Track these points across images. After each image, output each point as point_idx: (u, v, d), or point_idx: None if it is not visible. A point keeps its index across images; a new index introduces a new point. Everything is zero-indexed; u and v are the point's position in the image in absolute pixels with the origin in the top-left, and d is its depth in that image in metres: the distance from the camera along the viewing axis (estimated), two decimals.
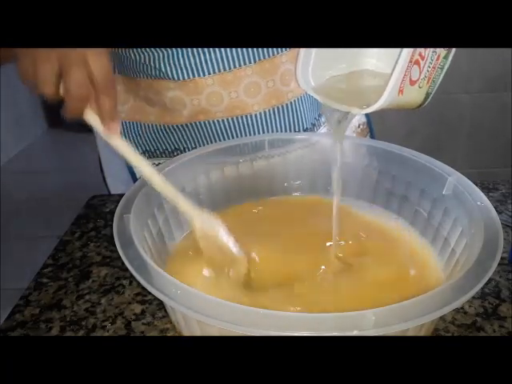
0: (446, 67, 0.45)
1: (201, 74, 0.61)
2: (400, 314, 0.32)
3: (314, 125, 0.71)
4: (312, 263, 0.49)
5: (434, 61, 0.42)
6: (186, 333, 0.43)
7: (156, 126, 0.68)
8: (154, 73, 0.62)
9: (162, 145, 0.70)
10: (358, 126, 0.77)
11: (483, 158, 1.74)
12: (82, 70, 0.40)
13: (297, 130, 0.68)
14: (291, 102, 0.66)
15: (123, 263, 0.38)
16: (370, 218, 0.57)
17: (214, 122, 0.65)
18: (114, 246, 0.40)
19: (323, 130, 0.73)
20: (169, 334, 0.46)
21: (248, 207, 0.59)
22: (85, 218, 0.66)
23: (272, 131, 0.67)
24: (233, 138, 0.66)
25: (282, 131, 0.67)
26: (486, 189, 0.69)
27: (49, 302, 0.51)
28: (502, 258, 0.38)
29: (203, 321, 0.33)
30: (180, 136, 0.68)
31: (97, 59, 0.41)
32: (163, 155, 0.70)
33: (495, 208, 0.44)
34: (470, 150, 1.74)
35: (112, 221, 0.44)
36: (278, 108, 0.66)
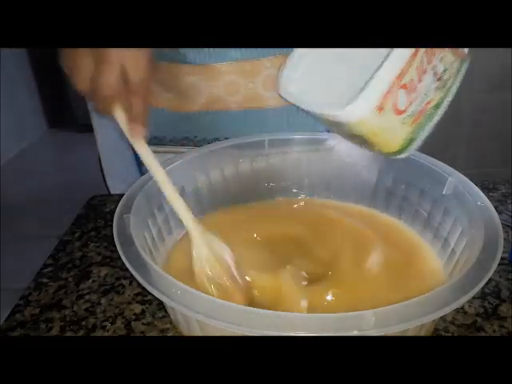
0: (435, 119, 0.43)
1: (219, 59, 0.60)
2: (400, 314, 0.32)
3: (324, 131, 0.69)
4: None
5: (423, 104, 0.41)
6: (186, 333, 0.43)
7: (169, 112, 0.67)
8: (173, 56, 0.61)
9: (171, 132, 0.68)
10: None
11: (483, 158, 1.74)
12: (116, 70, 0.40)
13: (310, 130, 0.66)
14: None
15: (123, 263, 0.38)
16: (370, 217, 0.57)
17: (228, 112, 0.64)
18: (114, 246, 0.40)
19: (334, 140, 0.71)
20: (169, 334, 0.46)
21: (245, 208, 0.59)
22: (85, 218, 0.66)
23: (286, 129, 0.65)
24: (245, 131, 0.65)
25: (295, 130, 0.65)
26: (486, 189, 0.69)
27: (49, 301, 0.51)
28: (502, 258, 0.38)
29: (203, 321, 0.33)
30: (191, 124, 0.67)
31: (135, 61, 0.41)
32: (171, 143, 0.69)
33: (495, 208, 0.44)
34: (471, 150, 1.74)
35: (112, 221, 0.44)
36: (294, 105, 0.65)
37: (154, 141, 0.69)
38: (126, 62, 0.40)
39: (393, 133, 0.42)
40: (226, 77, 0.61)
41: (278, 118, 0.65)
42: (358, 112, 0.40)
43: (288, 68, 0.54)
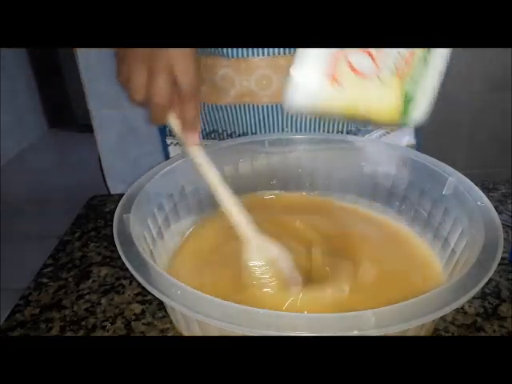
0: (430, 75, 0.40)
1: (255, 54, 0.61)
2: (400, 314, 0.32)
3: (353, 131, 0.68)
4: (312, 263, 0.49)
5: (402, 58, 0.38)
6: (186, 333, 0.43)
7: (201, 104, 0.67)
8: (210, 49, 0.62)
9: (201, 124, 0.69)
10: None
11: (483, 158, 1.74)
12: (168, 76, 0.41)
13: (334, 131, 0.67)
14: None
15: (123, 263, 0.38)
16: (370, 217, 0.57)
17: (258, 106, 0.64)
18: (114, 246, 0.40)
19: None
20: (169, 334, 0.46)
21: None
22: (85, 218, 0.66)
23: (313, 126, 0.65)
24: (274, 125, 0.65)
25: (320, 129, 0.66)
26: (486, 189, 0.69)
27: (49, 302, 0.51)
28: (502, 258, 0.38)
29: (203, 321, 0.33)
30: (221, 117, 0.67)
31: (183, 63, 0.41)
32: (200, 136, 0.69)
33: (495, 208, 0.44)
34: (471, 150, 1.74)
35: (112, 221, 0.44)
36: None
37: None
38: (176, 69, 0.41)
39: (377, 98, 0.40)
40: (260, 71, 0.62)
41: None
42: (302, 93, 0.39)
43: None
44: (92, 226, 0.64)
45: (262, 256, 0.44)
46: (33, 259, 0.89)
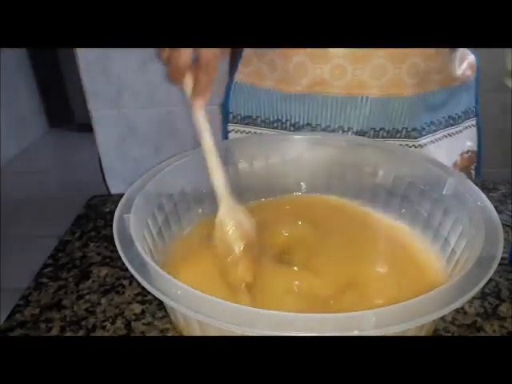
0: None
1: None
2: (400, 314, 0.32)
3: (417, 129, 0.69)
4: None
5: None
6: (186, 333, 0.43)
7: (269, 91, 0.68)
8: None
9: (266, 113, 0.69)
10: (467, 152, 0.76)
11: (483, 158, 1.74)
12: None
13: (398, 126, 0.67)
14: (409, 97, 0.65)
15: (123, 263, 0.38)
16: (369, 217, 0.57)
17: (329, 96, 0.64)
18: (114, 246, 0.40)
19: (425, 139, 0.70)
20: (169, 334, 0.46)
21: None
22: (85, 218, 0.66)
23: (381, 121, 0.66)
24: (340, 117, 0.65)
25: (388, 123, 0.66)
26: (486, 189, 0.69)
27: (49, 302, 0.51)
28: (502, 258, 0.38)
29: (203, 321, 0.33)
30: (289, 106, 0.67)
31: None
32: (263, 124, 0.70)
33: (495, 208, 0.44)
34: None
35: (112, 221, 0.44)
36: (394, 98, 0.65)
37: (245, 120, 0.70)
38: None
39: None
40: (335, 60, 0.62)
41: (376, 108, 0.65)
42: None
43: None
44: (92, 226, 0.64)
45: (233, 217, 0.47)
46: (33, 259, 0.89)
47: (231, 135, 0.74)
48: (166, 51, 0.44)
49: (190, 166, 0.55)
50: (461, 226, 0.46)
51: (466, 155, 0.75)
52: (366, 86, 0.63)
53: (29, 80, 2.88)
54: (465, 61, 0.72)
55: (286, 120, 0.68)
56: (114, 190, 1.36)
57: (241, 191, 0.59)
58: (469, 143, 0.75)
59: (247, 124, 0.70)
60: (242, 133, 0.73)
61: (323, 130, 0.68)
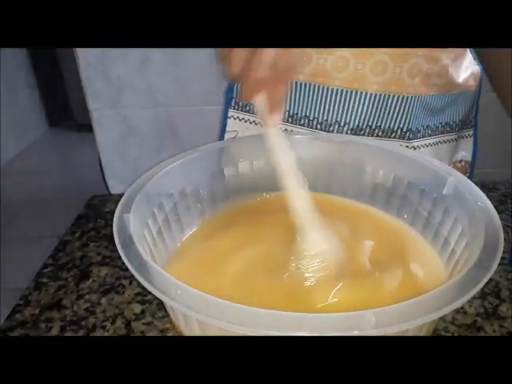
0: None
1: None
2: (400, 314, 0.32)
3: (412, 130, 0.68)
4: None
5: None
6: (186, 333, 0.43)
7: (293, 85, 0.67)
8: None
9: (296, 109, 0.68)
10: (460, 161, 0.75)
11: (483, 158, 1.74)
12: (268, 54, 0.40)
13: (394, 126, 0.66)
14: (407, 97, 0.65)
15: (123, 263, 0.38)
16: (369, 217, 0.57)
17: (329, 88, 0.64)
18: (114, 245, 0.40)
19: (420, 142, 0.70)
20: (169, 334, 0.46)
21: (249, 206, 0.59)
22: (85, 218, 0.66)
23: (378, 118, 0.65)
24: (338, 111, 0.65)
25: (385, 122, 0.65)
26: (486, 189, 0.69)
27: (49, 301, 0.51)
28: (502, 258, 0.38)
29: (203, 321, 0.33)
30: (288, 95, 0.67)
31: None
32: (290, 120, 0.69)
33: (495, 208, 0.44)
34: None
35: (112, 221, 0.44)
36: (393, 97, 0.64)
37: (246, 107, 0.70)
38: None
39: None
40: (339, 51, 0.61)
41: (376, 104, 0.65)
42: None
43: None
44: (92, 225, 0.64)
45: (315, 248, 0.45)
46: (33, 259, 0.89)
47: (230, 121, 0.73)
48: (238, 67, 0.41)
49: (190, 166, 0.55)
50: (461, 226, 0.46)
51: (458, 164, 0.75)
52: (367, 82, 0.63)
53: (29, 80, 2.88)
54: (469, 70, 0.72)
55: (285, 110, 0.68)
56: (113, 190, 1.36)
57: (241, 191, 0.59)
58: (463, 152, 0.75)
59: (248, 112, 0.70)
60: (240, 120, 0.72)
61: (320, 123, 0.67)
